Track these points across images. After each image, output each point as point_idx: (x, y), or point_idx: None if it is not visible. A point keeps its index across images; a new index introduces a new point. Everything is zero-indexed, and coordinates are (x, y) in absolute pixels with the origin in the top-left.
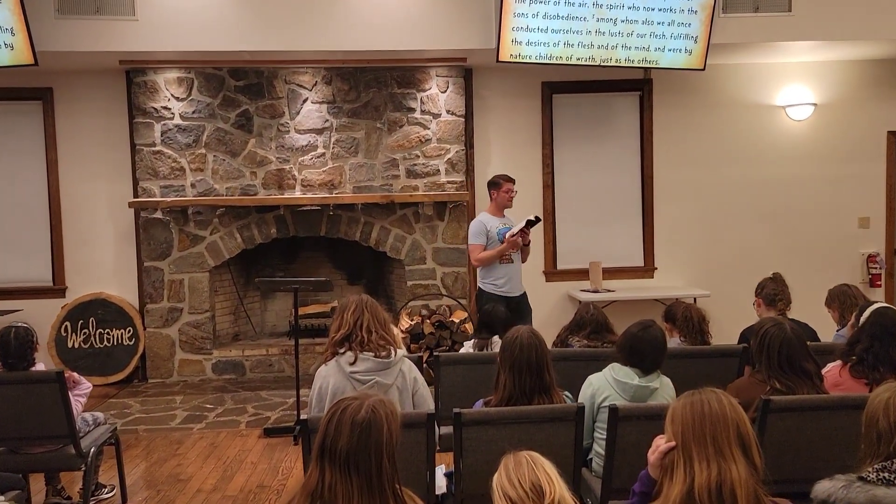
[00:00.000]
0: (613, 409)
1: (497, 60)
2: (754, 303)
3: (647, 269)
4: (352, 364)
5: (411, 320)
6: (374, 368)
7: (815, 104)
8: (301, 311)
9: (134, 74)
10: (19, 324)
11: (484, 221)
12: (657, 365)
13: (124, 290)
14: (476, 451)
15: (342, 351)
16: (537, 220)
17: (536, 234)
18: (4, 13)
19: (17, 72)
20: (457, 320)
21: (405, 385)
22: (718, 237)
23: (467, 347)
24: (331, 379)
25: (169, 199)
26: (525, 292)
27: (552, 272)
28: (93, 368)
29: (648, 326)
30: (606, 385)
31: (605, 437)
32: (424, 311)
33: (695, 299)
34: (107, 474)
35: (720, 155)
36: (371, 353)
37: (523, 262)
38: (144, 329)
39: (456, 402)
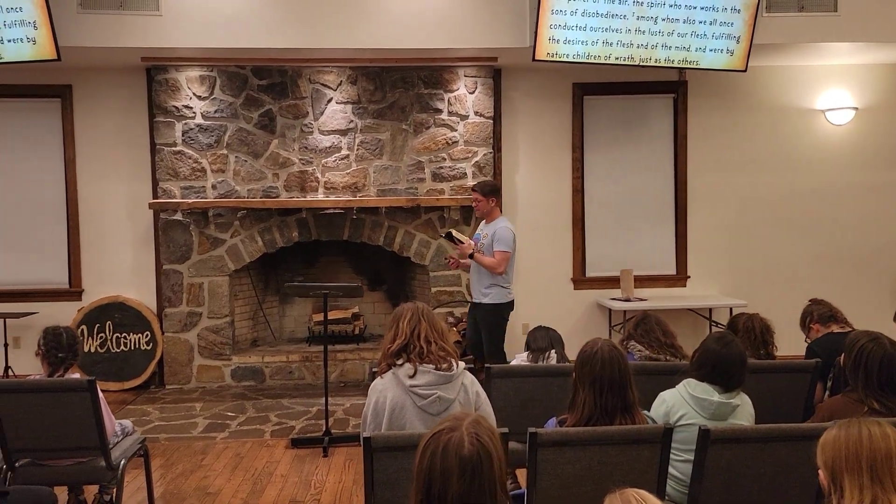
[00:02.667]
0: (705, 431)
1: (533, 59)
2: (809, 329)
3: (680, 278)
4: (411, 377)
5: None
6: (436, 382)
7: (856, 108)
8: (320, 317)
9: (155, 72)
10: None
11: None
12: (740, 382)
13: (142, 294)
14: (551, 473)
15: (399, 363)
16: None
17: (563, 241)
18: (28, 6)
19: (36, 69)
20: None
21: (468, 400)
22: (754, 245)
23: (519, 359)
24: (388, 393)
25: (189, 201)
26: (483, 304)
27: (581, 280)
28: (109, 373)
29: (729, 342)
30: (682, 402)
31: (681, 458)
32: (451, 319)
33: (731, 309)
34: (130, 486)
35: (757, 160)
36: (431, 366)
37: (491, 271)
38: (163, 333)
39: (508, 417)
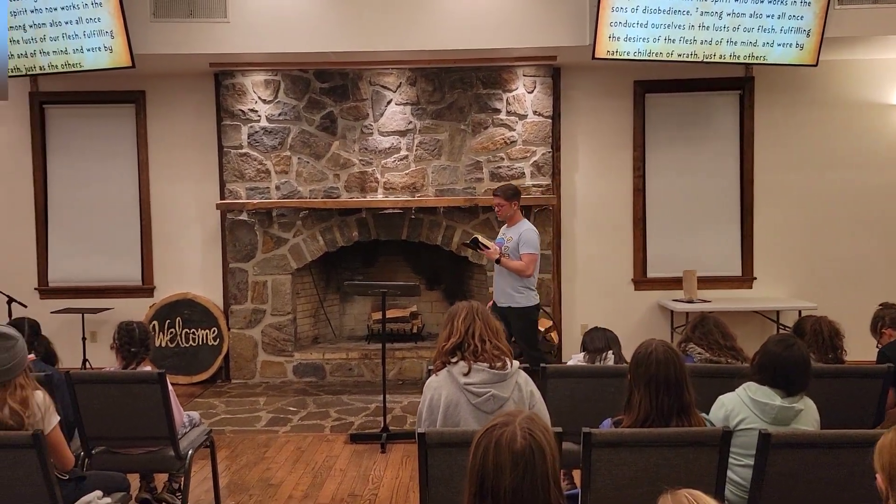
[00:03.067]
0: (766, 436)
1: (592, 57)
2: (879, 335)
3: (746, 279)
4: (465, 375)
5: None
6: (490, 380)
7: None
8: (379, 315)
9: (222, 77)
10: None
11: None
12: (804, 387)
13: (210, 291)
14: (606, 474)
15: (454, 361)
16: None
17: (624, 241)
18: (105, 16)
19: (111, 75)
20: (542, 328)
21: (521, 399)
22: (824, 246)
23: (576, 360)
24: (443, 390)
25: (254, 202)
26: (513, 307)
27: (641, 280)
28: (179, 367)
29: (791, 344)
30: (742, 406)
31: (741, 463)
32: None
33: (799, 312)
34: (197, 475)
35: (827, 157)
36: (485, 364)
37: (519, 274)
38: (229, 330)
39: (564, 417)
